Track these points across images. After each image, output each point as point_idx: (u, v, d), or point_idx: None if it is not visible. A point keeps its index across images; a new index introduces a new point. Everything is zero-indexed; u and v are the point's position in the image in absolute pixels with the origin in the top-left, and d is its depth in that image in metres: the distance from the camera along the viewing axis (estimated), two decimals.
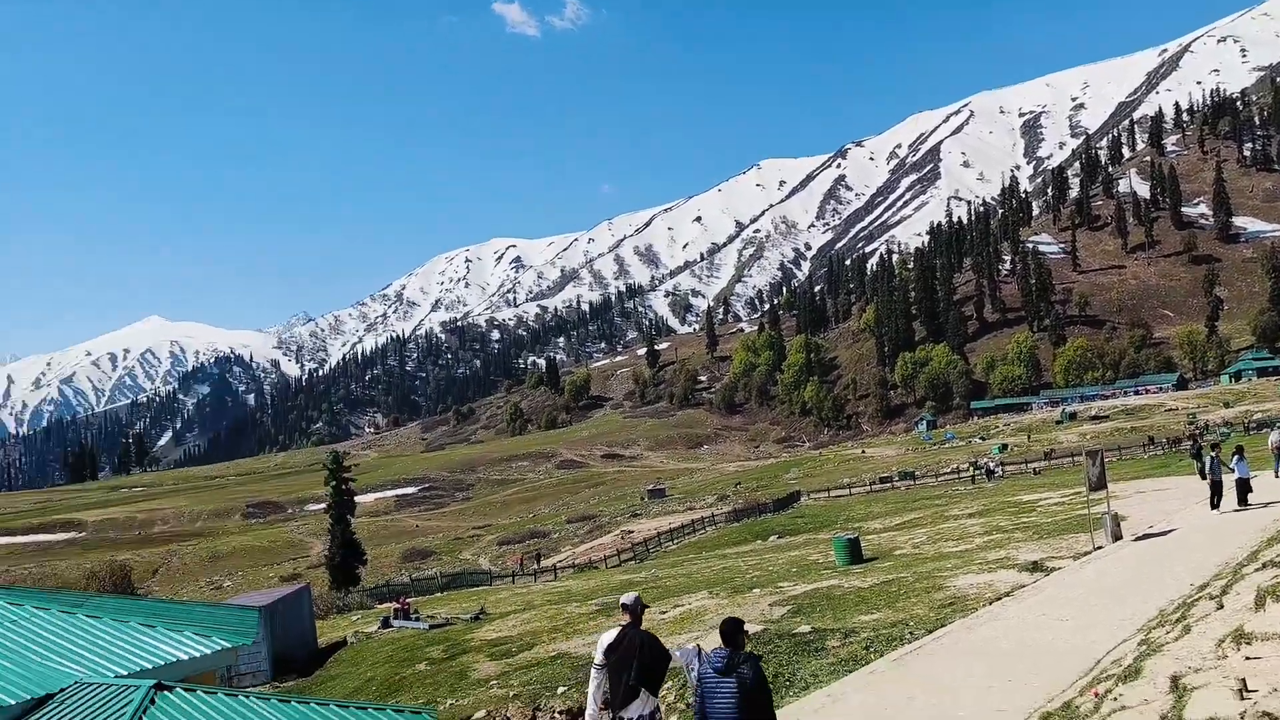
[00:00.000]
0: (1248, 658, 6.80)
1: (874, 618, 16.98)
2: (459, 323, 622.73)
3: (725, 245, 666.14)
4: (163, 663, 13.68)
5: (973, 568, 20.80)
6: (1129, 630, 11.90)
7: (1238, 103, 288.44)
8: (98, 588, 61.68)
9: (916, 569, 22.32)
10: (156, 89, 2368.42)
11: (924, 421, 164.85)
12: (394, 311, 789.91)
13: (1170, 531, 21.76)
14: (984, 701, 10.38)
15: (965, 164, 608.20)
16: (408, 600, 32.41)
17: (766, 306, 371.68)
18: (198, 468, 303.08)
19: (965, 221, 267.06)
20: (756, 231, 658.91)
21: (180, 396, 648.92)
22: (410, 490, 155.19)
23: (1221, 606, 9.84)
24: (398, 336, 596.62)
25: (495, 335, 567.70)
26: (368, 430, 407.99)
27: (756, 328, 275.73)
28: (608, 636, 8.34)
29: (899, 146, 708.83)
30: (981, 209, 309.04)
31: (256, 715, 12.02)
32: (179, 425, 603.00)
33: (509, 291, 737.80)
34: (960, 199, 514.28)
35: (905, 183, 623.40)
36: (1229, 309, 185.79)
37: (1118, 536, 21.46)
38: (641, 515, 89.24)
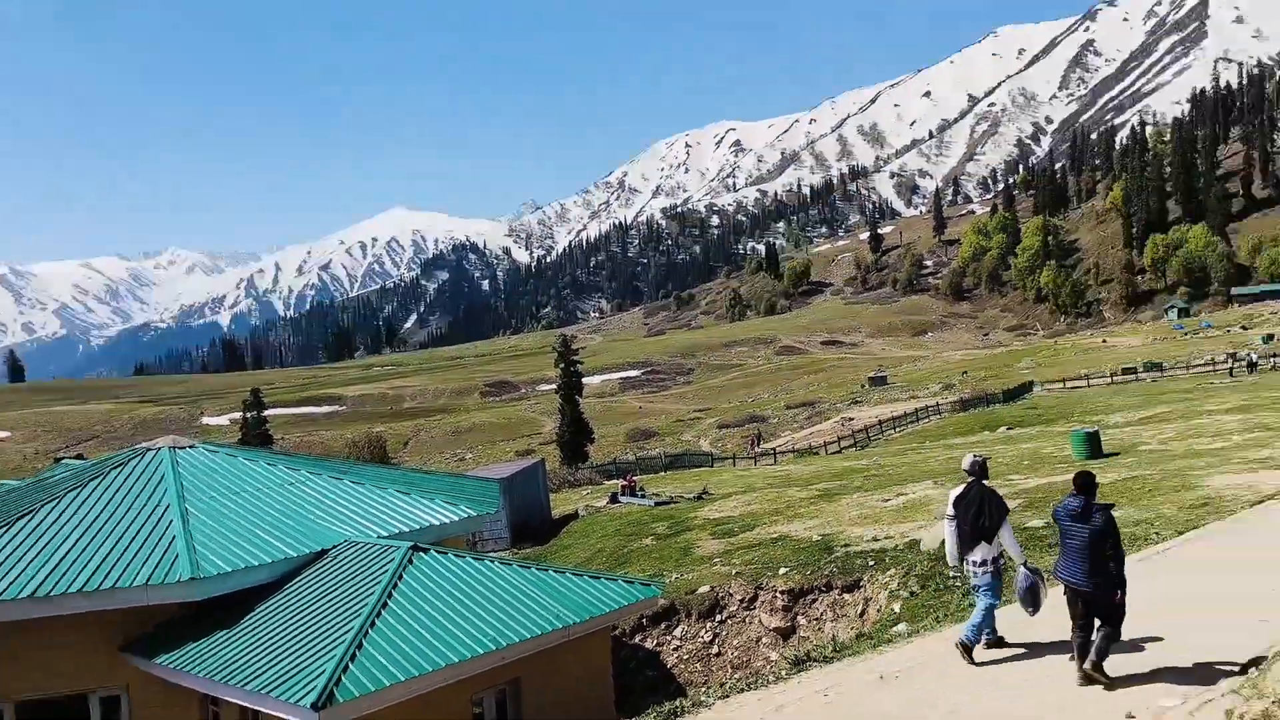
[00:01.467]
0: None
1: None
2: (679, 209, 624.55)
3: (956, 121, 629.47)
4: (418, 526, 15.01)
5: (1231, 466, 19.31)
6: None
7: None
8: (358, 456, 67.90)
9: (1163, 466, 20.95)
10: None
11: (1175, 309, 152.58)
12: (616, 199, 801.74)
13: None
14: (1243, 615, 9.36)
15: (1238, 19, 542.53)
16: (634, 478, 33.71)
17: (1000, 186, 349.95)
18: (440, 349, 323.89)
19: (1235, 86, 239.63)
20: (991, 106, 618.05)
21: (423, 282, 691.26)
22: (634, 373, 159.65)
23: None
24: (620, 223, 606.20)
25: (715, 221, 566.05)
26: (593, 315, 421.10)
27: (989, 209, 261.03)
28: (955, 491, 9.50)
29: (1158, 4, 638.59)
30: (1256, 71, 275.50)
31: (501, 577, 13.02)
32: (422, 309, 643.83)
33: (728, 176, 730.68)
34: (1230, 60, 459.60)
35: (1164, 45, 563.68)
36: None
37: None
38: (862, 402, 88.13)
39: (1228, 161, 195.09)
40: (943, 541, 16.24)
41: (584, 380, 69.77)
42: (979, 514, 9.17)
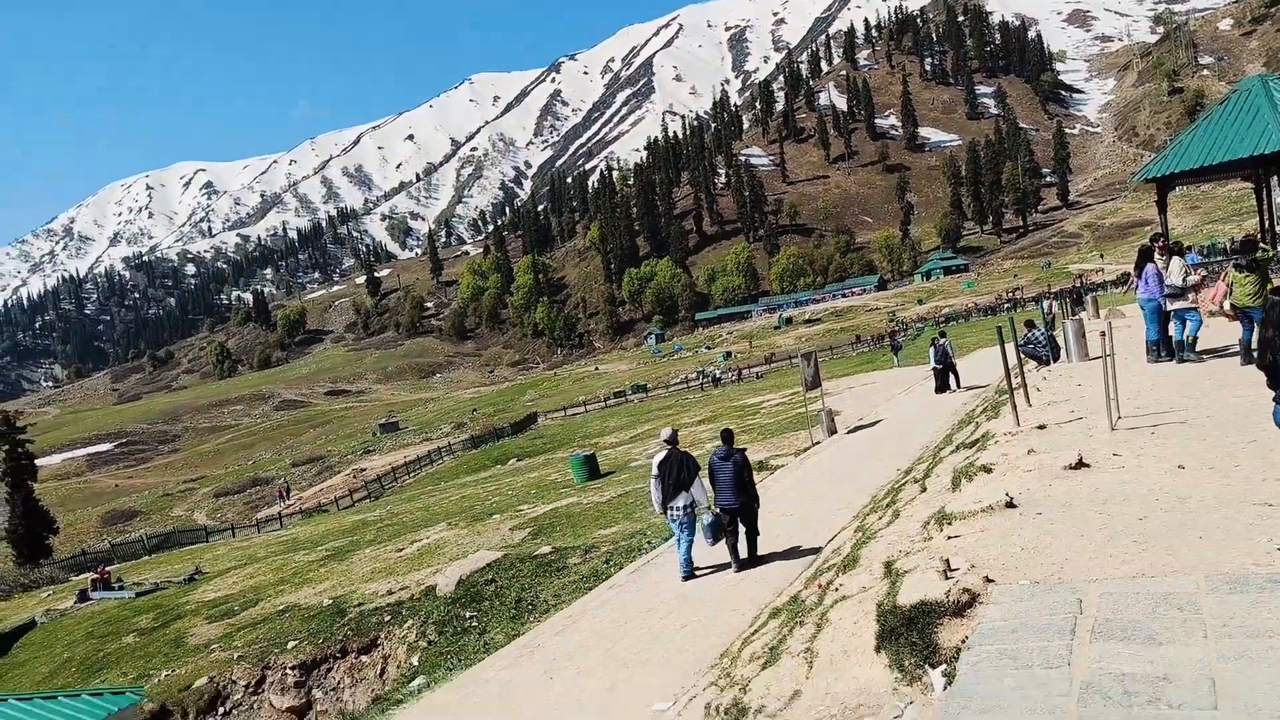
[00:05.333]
0: (949, 537, 7.03)
1: (613, 531, 17.07)
2: (145, 258, 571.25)
3: (442, 165, 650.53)
4: None
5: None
6: (846, 519, 12.47)
7: (918, 19, 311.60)
8: None
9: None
10: None
11: (652, 335, 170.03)
12: (63, 248, 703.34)
13: (879, 422, 23.30)
14: (719, 601, 10.52)
15: (677, 78, 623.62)
16: (108, 569, 29.49)
17: (490, 228, 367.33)
18: None
19: (680, 136, 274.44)
20: (474, 150, 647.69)
21: None
22: (105, 447, 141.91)
23: (924, 489, 10.32)
24: (71, 277, 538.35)
25: (190, 270, 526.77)
26: (45, 384, 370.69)
27: (482, 250, 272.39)
28: (659, 456, 11.93)
29: (612, 60, 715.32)
30: (695, 123, 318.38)
31: None
32: None
33: (202, 221, 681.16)
34: (675, 113, 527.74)
35: (621, 97, 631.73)
36: (919, 214, 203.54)
37: (833, 431, 22.77)
38: (374, 451, 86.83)
39: (682, 202, 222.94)
40: (458, 581, 16.10)
41: (39, 461, 60.00)
42: (679, 470, 11.64)
